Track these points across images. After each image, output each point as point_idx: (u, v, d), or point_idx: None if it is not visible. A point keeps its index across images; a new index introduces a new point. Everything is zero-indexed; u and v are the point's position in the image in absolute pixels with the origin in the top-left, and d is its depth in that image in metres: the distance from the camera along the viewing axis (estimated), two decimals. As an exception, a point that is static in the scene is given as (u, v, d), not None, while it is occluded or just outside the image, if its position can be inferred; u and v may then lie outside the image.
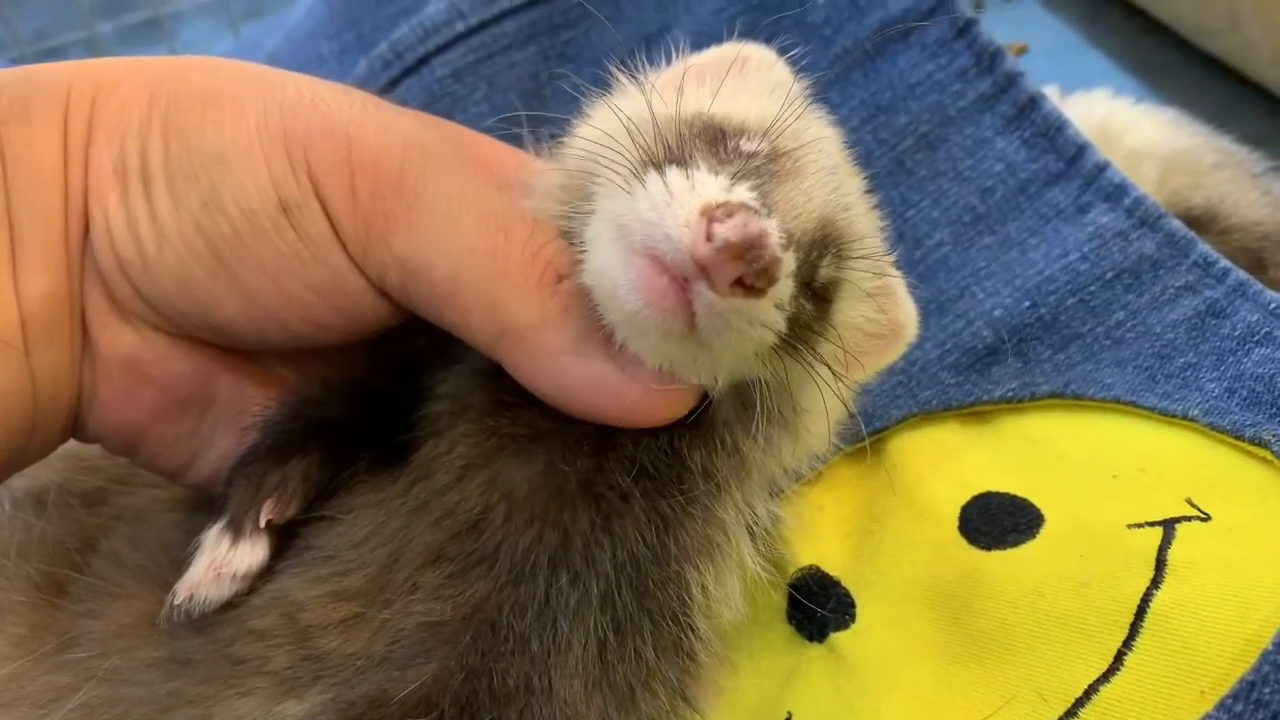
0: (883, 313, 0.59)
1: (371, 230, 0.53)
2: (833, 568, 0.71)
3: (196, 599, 0.53)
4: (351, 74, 0.98)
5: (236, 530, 0.54)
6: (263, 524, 0.54)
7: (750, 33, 0.68)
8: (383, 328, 0.58)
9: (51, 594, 0.58)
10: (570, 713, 0.52)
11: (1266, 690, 0.53)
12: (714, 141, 0.53)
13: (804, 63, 0.64)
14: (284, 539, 0.56)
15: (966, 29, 0.86)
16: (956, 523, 0.69)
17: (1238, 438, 0.65)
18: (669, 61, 0.65)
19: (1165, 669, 0.57)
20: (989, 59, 0.85)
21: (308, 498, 0.56)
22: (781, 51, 0.66)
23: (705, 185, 0.47)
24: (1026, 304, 0.78)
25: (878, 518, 0.73)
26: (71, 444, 0.60)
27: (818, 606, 0.68)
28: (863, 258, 0.55)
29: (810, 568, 0.71)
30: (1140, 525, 0.63)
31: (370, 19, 1.04)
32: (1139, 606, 0.59)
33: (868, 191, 0.63)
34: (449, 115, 0.64)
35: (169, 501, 0.65)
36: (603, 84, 0.63)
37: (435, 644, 0.52)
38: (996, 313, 0.79)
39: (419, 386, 0.59)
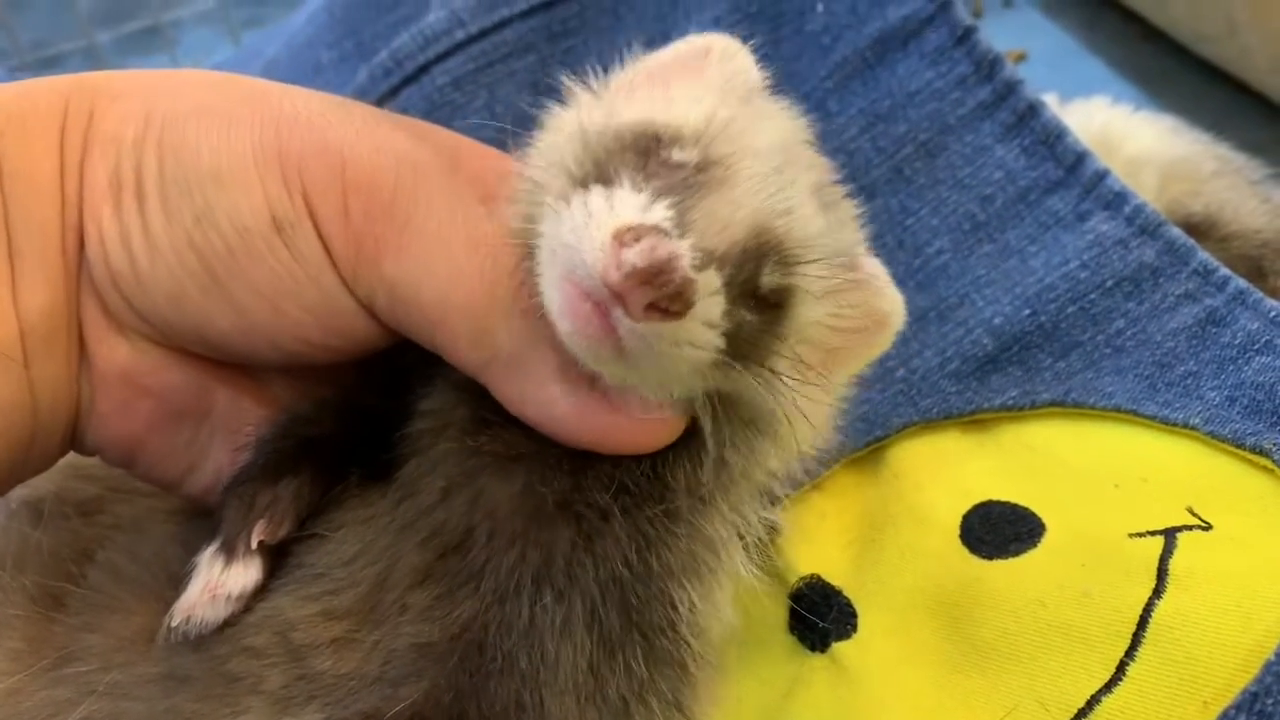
0: (852, 307, 0.56)
1: (362, 252, 0.53)
2: (834, 577, 0.71)
3: (193, 621, 0.53)
4: (351, 82, 0.98)
5: (230, 552, 0.54)
6: (254, 545, 0.53)
7: (748, 41, 0.68)
8: (375, 348, 0.57)
9: (48, 607, 0.58)
10: None
11: (1269, 701, 0.53)
12: (645, 152, 0.51)
13: (803, 71, 0.63)
14: (278, 556, 0.56)
15: (965, 37, 0.86)
16: (958, 532, 0.69)
17: (1239, 446, 0.65)
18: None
19: (1168, 679, 0.56)
20: (988, 66, 0.85)
21: (300, 516, 0.55)
22: (780, 60, 0.65)
23: (623, 205, 0.46)
24: (1027, 312, 0.78)
25: (879, 526, 0.72)
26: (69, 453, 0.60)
27: (819, 618, 0.68)
28: (814, 260, 0.52)
29: (811, 577, 0.71)
30: (1142, 534, 0.63)
31: (370, 27, 1.04)
32: (1141, 616, 0.59)
33: (838, 182, 0.60)
34: (449, 123, 0.64)
35: (166, 512, 0.64)
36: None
37: (426, 664, 0.51)
38: (997, 321, 0.78)
39: (408, 402, 0.58)
